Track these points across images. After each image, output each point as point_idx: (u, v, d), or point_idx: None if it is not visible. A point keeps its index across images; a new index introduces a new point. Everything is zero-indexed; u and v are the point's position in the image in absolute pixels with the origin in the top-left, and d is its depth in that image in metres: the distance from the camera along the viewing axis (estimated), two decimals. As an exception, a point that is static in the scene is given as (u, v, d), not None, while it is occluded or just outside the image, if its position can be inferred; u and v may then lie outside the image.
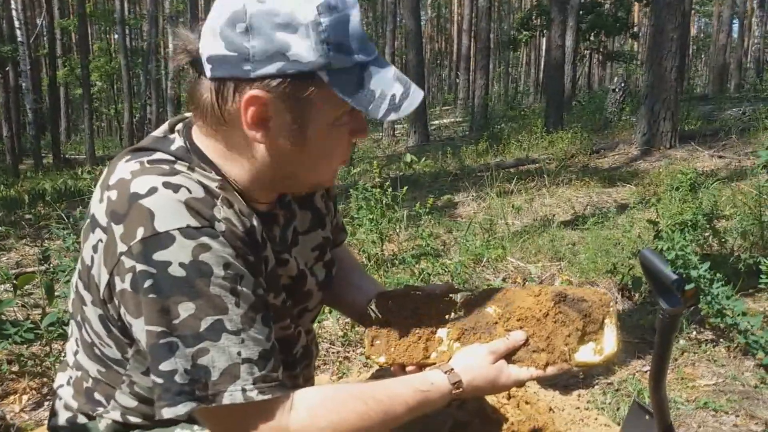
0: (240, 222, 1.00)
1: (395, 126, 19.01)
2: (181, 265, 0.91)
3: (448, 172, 9.55)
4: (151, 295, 0.92)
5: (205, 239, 0.93)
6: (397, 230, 5.17)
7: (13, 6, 17.52)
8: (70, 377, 1.17)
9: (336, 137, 1.03)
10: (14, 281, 2.89)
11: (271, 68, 0.94)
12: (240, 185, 1.05)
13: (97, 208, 0.99)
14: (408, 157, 8.07)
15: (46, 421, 2.47)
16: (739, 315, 2.76)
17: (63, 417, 1.18)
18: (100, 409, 1.12)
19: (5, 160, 17.45)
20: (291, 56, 0.93)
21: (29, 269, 4.11)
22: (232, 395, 0.93)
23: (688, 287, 1.05)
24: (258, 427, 0.96)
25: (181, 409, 0.93)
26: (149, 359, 0.95)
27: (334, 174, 1.13)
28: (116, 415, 1.11)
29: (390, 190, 4.74)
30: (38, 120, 19.54)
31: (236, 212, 1.01)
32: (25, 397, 2.61)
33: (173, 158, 1.02)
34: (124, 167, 1.00)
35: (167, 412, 0.93)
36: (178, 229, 0.92)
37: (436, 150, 11.95)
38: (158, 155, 1.02)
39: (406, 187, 5.20)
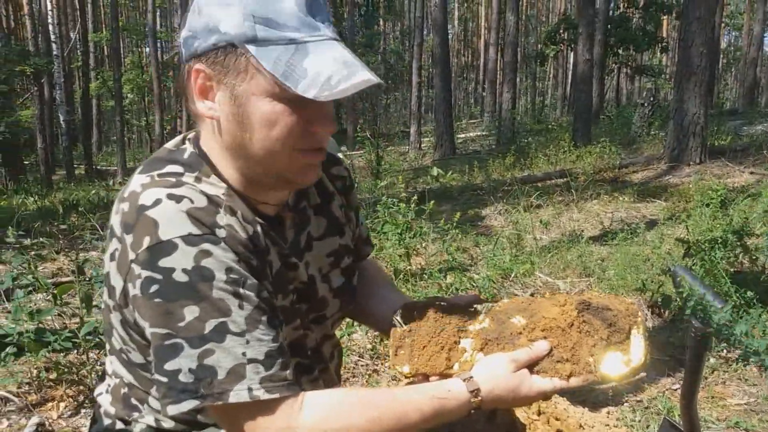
0: (242, 228, 1.05)
1: (421, 139, 19.05)
2: (184, 270, 0.96)
3: (474, 185, 9.55)
4: (156, 300, 0.97)
5: (206, 245, 0.98)
6: (424, 244, 5.18)
7: (49, 21, 17.95)
8: (109, 385, 1.21)
9: (283, 118, 1.01)
10: (53, 291, 2.97)
11: (209, 42, 1.01)
12: (238, 187, 1.10)
13: (114, 219, 1.05)
14: (434, 171, 8.09)
15: (83, 429, 2.53)
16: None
17: (102, 424, 1.22)
18: (136, 414, 1.16)
19: (39, 171, 17.82)
20: (222, 29, 0.99)
21: (65, 279, 4.21)
22: (238, 394, 0.96)
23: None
24: (267, 426, 0.99)
25: (186, 406, 0.97)
26: (154, 360, 0.99)
27: (307, 169, 1.08)
28: (150, 420, 1.15)
29: (417, 203, 4.77)
30: (71, 131, 19.89)
31: (239, 219, 1.05)
32: (62, 405, 2.67)
33: (182, 170, 1.07)
34: (137, 180, 1.06)
35: (172, 409, 0.98)
36: (180, 236, 0.97)
37: (462, 163, 11.96)
38: (168, 168, 1.08)
39: (433, 201, 5.23)
